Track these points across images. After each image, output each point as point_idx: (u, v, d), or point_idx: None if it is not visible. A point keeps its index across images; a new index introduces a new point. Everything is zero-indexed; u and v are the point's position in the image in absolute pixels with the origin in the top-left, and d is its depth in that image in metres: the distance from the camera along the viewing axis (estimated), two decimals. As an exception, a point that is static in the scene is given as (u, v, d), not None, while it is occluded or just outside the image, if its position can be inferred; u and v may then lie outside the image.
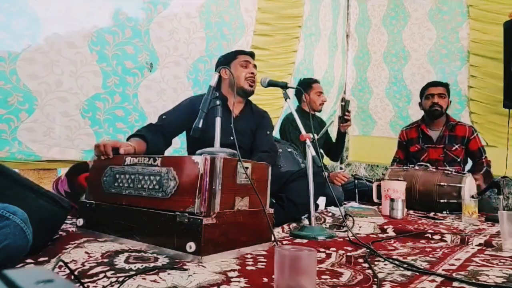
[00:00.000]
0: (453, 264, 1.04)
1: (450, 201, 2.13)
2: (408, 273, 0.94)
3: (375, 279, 0.88)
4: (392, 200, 1.92)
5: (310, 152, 1.54)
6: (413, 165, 2.51)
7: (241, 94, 1.88)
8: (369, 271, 0.96)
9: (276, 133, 2.92)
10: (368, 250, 1.19)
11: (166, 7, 2.03)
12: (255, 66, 1.91)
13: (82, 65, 1.82)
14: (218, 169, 1.10)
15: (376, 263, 1.05)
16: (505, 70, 2.40)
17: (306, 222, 1.56)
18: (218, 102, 1.29)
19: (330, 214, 1.95)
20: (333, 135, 2.98)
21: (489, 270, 0.97)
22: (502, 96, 2.50)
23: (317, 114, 2.93)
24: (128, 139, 1.58)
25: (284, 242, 1.37)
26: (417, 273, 0.94)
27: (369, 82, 3.92)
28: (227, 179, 1.14)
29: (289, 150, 2.52)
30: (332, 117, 4.06)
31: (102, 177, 1.30)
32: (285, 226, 1.61)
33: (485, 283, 0.86)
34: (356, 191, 2.49)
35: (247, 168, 1.22)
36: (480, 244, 1.33)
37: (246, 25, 2.45)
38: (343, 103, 2.69)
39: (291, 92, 2.78)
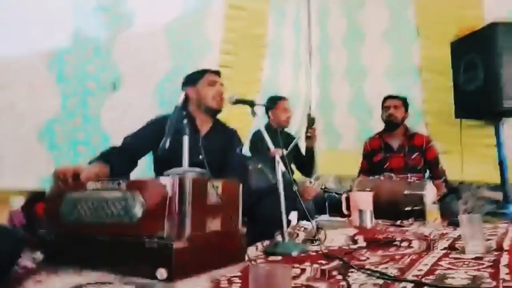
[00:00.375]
0: (421, 270, 1.08)
1: (414, 208, 2.22)
2: (380, 281, 0.96)
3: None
4: (360, 211, 1.97)
5: (280, 167, 1.55)
6: (378, 175, 2.62)
7: (209, 112, 1.87)
8: (344, 283, 0.97)
9: (246, 149, 2.93)
10: (341, 262, 1.20)
11: (129, 27, 2.00)
12: (222, 84, 1.92)
13: (39, 87, 1.73)
14: (187, 190, 1.07)
15: (350, 274, 1.06)
16: (454, 85, 2.60)
17: (279, 238, 1.56)
18: (185, 121, 1.28)
19: (302, 228, 1.96)
20: (304, 150, 3.04)
21: (455, 273, 1.01)
22: (453, 107, 2.70)
23: (286, 130, 2.98)
24: (90, 163, 1.51)
25: (259, 261, 1.35)
26: (389, 281, 0.96)
27: (332, 99, 4.06)
28: (197, 200, 1.11)
29: (258, 166, 2.54)
30: (298, 134, 4.15)
31: (61, 205, 1.22)
32: (259, 244, 1.59)
33: (452, 286, 0.89)
34: (327, 204, 2.53)
35: (217, 187, 1.21)
36: (445, 248, 1.39)
37: (212, 44, 2.48)
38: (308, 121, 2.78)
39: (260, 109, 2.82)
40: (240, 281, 1.04)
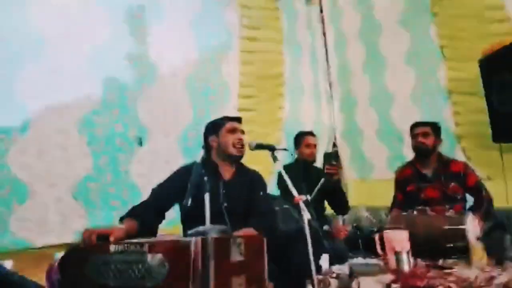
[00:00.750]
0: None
1: (456, 244, 2.06)
2: None
3: None
4: (396, 252, 1.86)
5: (305, 215, 1.51)
6: (413, 207, 2.48)
7: (231, 159, 1.90)
8: None
9: (274, 189, 2.91)
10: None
11: (152, 83, 2.12)
12: (242, 131, 1.95)
13: (72, 148, 1.85)
14: (210, 251, 1.07)
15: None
16: (488, 106, 2.47)
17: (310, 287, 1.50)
18: (206, 179, 1.29)
19: (335, 274, 1.87)
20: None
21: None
22: (489, 129, 2.55)
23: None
24: (120, 220, 1.56)
25: (288, 317, 1.30)
26: None
27: (359, 126, 3.99)
28: (221, 259, 1.10)
29: (285, 206, 2.49)
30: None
31: (87, 267, 1.25)
32: (288, 294, 1.54)
33: None
34: (360, 242, 2.42)
35: (240, 243, 1.20)
36: (492, 298, 1.27)
37: (230, 89, 2.57)
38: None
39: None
40: None
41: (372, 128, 3.86)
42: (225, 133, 1.89)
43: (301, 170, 2.78)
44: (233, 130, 1.90)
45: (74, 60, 1.87)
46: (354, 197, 4.26)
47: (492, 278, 1.54)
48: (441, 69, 3.10)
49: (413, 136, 2.68)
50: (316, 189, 2.07)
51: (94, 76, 1.95)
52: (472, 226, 2.08)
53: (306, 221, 1.51)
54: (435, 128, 2.67)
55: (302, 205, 1.55)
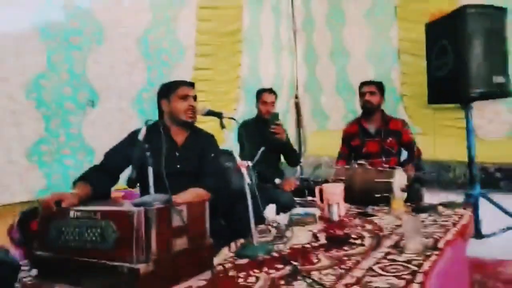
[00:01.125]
0: (354, 277, 1.26)
1: (384, 194, 2.38)
2: (314, 293, 1.14)
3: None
4: (329, 204, 2.14)
5: (246, 180, 1.70)
6: (355, 162, 2.77)
7: (182, 125, 2.00)
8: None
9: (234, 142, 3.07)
10: (292, 268, 1.38)
11: (100, 44, 2.09)
12: (195, 97, 2.02)
13: (21, 114, 1.88)
14: (152, 220, 1.25)
15: (294, 283, 1.24)
16: (428, 70, 2.65)
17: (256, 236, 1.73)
18: (148, 154, 1.42)
19: (275, 224, 2.14)
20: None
21: (378, 281, 1.19)
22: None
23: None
24: (74, 184, 1.69)
25: (227, 265, 1.54)
26: (320, 292, 1.14)
27: (319, 80, 4.11)
28: (162, 225, 1.29)
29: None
30: (287, 116, 4.26)
31: (49, 230, 1.41)
32: (232, 244, 1.79)
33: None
34: (306, 192, 2.72)
35: (181, 210, 1.38)
36: (390, 246, 1.57)
37: (186, 49, 2.55)
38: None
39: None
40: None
41: (330, 83, 4.01)
42: (176, 99, 1.96)
43: (258, 127, 2.95)
44: (185, 97, 1.97)
45: (16, 22, 1.80)
46: (313, 146, 4.56)
47: (399, 226, 1.85)
48: (394, 29, 3.20)
49: (361, 94, 2.91)
50: (259, 151, 2.24)
51: (38, 39, 1.90)
52: (398, 180, 2.39)
53: (246, 185, 1.69)
54: (380, 87, 2.88)
55: (243, 171, 1.72)
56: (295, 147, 4.46)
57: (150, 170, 1.42)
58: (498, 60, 2.33)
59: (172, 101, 1.96)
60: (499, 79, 2.32)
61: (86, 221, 1.33)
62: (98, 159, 2.11)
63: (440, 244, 1.51)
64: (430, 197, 2.39)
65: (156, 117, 2.05)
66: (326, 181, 2.69)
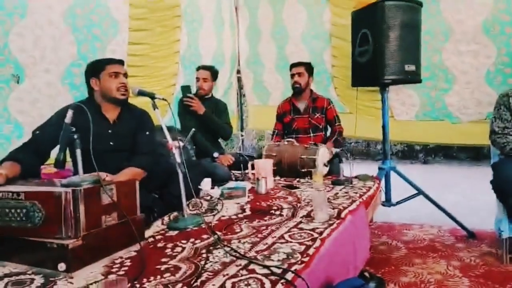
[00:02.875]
0: (266, 244, 1.47)
1: (309, 169, 2.65)
2: (228, 259, 1.33)
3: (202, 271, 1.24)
4: (257, 179, 2.35)
5: (176, 159, 1.81)
6: (285, 138, 3.02)
7: (114, 103, 2.02)
8: (203, 262, 1.32)
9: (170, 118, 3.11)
10: (216, 237, 1.56)
11: (23, 17, 1.99)
12: (125, 74, 2.03)
13: None
14: (79, 199, 1.32)
15: (214, 251, 1.42)
16: (352, 55, 2.89)
17: (187, 210, 1.87)
18: (75, 136, 1.46)
19: (208, 197, 2.31)
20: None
21: (285, 247, 1.41)
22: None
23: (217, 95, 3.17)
24: (0, 163, 1.68)
25: (158, 237, 1.67)
26: (234, 259, 1.33)
27: (261, 56, 4.21)
28: (91, 204, 1.37)
29: (179, 138, 2.77)
30: (229, 90, 4.35)
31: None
32: (166, 218, 1.92)
33: (266, 265, 1.28)
34: (241, 166, 2.91)
35: (111, 189, 1.47)
36: (303, 216, 1.81)
37: (119, 22, 2.48)
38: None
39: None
40: (130, 263, 1.35)
41: (271, 60, 4.14)
42: (107, 77, 1.96)
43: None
44: (115, 74, 1.97)
45: None
46: (254, 121, 4.74)
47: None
48: (327, 13, 3.38)
49: (291, 75, 3.12)
50: (186, 139, 2.34)
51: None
52: (321, 156, 2.67)
53: (177, 166, 1.80)
54: (309, 68, 3.10)
55: (174, 151, 1.82)
56: (237, 121, 4.62)
57: (79, 152, 1.47)
58: (411, 50, 2.62)
59: (102, 79, 1.96)
60: (411, 67, 2.63)
61: (9, 201, 1.36)
62: (26, 134, 2.08)
63: (343, 214, 1.78)
64: (357, 168, 2.69)
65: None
66: (260, 156, 2.90)
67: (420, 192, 2.85)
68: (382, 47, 2.57)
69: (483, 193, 2.60)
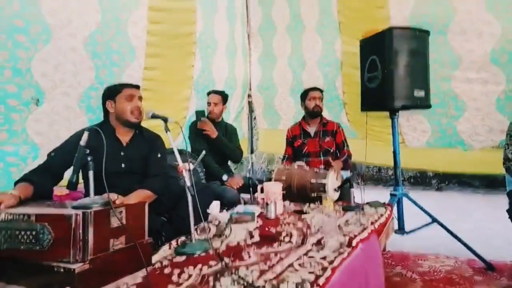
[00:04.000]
0: (275, 272, 1.43)
1: (319, 194, 2.62)
2: None
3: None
4: (267, 203, 2.33)
5: (186, 182, 1.81)
6: (295, 162, 3.01)
7: (128, 126, 2.07)
8: (211, 290, 1.30)
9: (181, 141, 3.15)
10: (223, 265, 1.53)
11: (46, 44, 2.09)
12: (140, 97, 2.09)
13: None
14: (89, 222, 1.33)
15: (221, 279, 1.39)
16: (361, 80, 2.91)
17: (195, 235, 1.85)
18: (89, 158, 1.49)
19: (217, 222, 2.28)
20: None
21: (294, 276, 1.37)
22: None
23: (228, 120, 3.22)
24: (15, 184, 1.71)
25: (165, 263, 1.65)
26: (242, 287, 1.30)
27: (274, 82, 4.31)
28: (100, 227, 1.37)
29: (190, 161, 2.79)
30: (241, 114, 4.42)
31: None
32: (173, 242, 1.90)
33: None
34: (251, 190, 2.89)
35: (121, 212, 1.47)
36: (313, 244, 1.77)
37: (137, 49, 2.59)
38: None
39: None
40: (136, 287, 1.34)
41: (286, 86, 4.23)
42: (122, 100, 2.03)
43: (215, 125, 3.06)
44: (130, 97, 2.04)
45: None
46: (264, 144, 4.78)
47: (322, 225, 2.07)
48: (338, 42, 3.47)
49: (311, 99, 3.13)
50: (196, 162, 2.37)
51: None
52: (331, 181, 2.64)
53: (186, 189, 1.80)
54: (323, 93, 3.15)
55: (184, 174, 1.83)
56: (247, 144, 4.65)
57: (91, 174, 1.49)
58: (419, 76, 2.65)
59: (117, 102, 2.03)
60: (420, 93, 2.63)
61: (19, 223, 1.37)
62: (42, 155, 2.13)
63: (354, 242, 1.74)
64: (368, 193, 2.64)
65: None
66: (269, 180, 2.88)
67: (434, 220, 2.78)
68: (391, 73, 2.60)
69: (499, 222, 2.52)
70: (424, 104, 2.69)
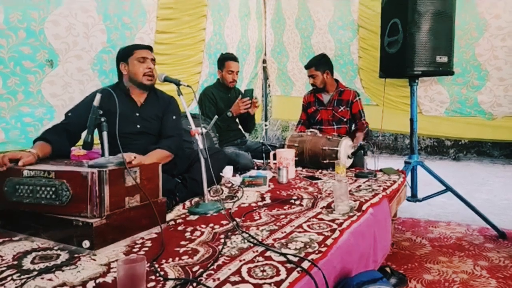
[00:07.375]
0: (284, 232, 1.47)
1: (331, 161, 2.61)
2: (245, 245, 1.34)
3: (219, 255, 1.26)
4: (279, 168, 2.34)
5: (198, 145, 1.83)
6: (308, 129, 2.98)
7: (141, 87, 2.07)
8: (220, 246, 1.34)
9: (195, 106, 3.16)
10: (234, 223, 1.58)
11: (59, 5, 2.06)
12: (153, 60, 2.08)
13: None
14: (104, 180, 1.37)
15: (232, 237, 1.44)
16: (381, 46, 2.79)
17: (208, 196, 1.89)
18: (102, 119, 1.51)
19: (230, 184, 2.32)
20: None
21: (303, 236, 1.40)
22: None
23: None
24: (34, 142, 1.76)
25: (178, 221, 1.71)
26: (251, 245, 1.34)
27: (285, 46, 4.16)
28: (115, 185, 1.41)
29: (202, 125, 2.81)
30: (254, 80, 4.34)
31: (4, 186, 1.50)
32: (187, 202, 1.96)
33: (283, 253, 1.28)
34: (264, 155, 2.90)
35: (135, 172, 1.51)
36: (323, 207, 1.79)
37: (148, 12, 2.52)
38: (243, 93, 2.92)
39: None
40: (151, 244, 1.40)
41: (295, 50, 4.08)
42: (134, 62, 2.02)
43: (220, 94, 3.05)
44: (143, 59, 2.02)
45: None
46: (277, 111, 4.72)
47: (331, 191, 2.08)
48: (355, 3, 3.28)
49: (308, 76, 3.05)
50: (209, 126, 2.36)
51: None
52: (344, 148, 2.62)
53: (199, 151, 1.82)
54: (319, 64, 2.98)
55: (197, 137, 1.84)
56: (261, 111, 4.62)
57: (105, 134, 1.52)
58: (443, 41, 2.50)
59: (130, 64, 2.02)
60: (443, 58, 2.50)
61: (40, 179, 1.43)
62: (57, 117, 2.18)
63: (364, 207, 1.75)
64: (383, 162, 2.62)
65: (116, 77, 2.11)
66: (282, 146, 2.88)
67: (448, 188, 2.75)
68: (413, 37, 2.47)
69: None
70: (446, 70, 2.56)
